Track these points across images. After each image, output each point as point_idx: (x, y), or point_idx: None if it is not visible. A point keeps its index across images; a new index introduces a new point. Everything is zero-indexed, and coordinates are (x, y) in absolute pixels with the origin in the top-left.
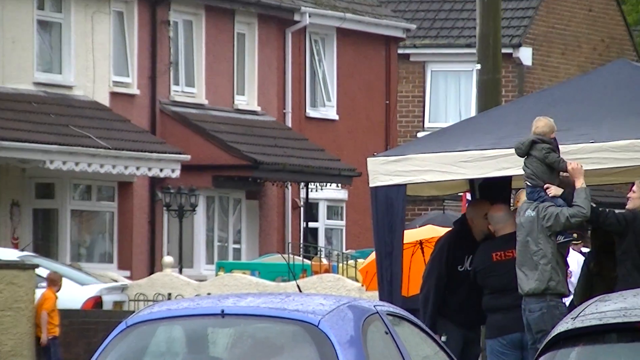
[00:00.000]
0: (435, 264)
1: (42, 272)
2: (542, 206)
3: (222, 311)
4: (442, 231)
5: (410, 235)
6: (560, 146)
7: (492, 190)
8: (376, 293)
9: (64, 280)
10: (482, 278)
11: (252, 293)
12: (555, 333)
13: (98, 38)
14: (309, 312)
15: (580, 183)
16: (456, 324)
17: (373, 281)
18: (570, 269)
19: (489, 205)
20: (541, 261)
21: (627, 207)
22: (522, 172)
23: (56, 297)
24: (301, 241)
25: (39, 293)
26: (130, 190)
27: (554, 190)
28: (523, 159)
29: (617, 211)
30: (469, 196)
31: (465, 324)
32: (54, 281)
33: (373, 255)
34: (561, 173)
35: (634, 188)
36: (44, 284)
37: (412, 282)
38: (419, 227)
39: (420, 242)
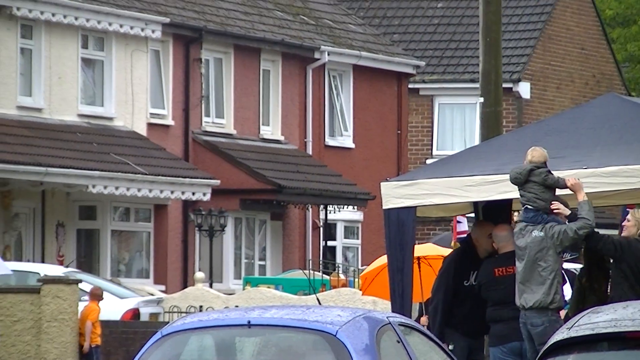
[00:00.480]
0: (443, 279)
1: (85, 286)
2: (549, 226)
3: (249, 322)
4: (440, 249)
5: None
6: (555, 172)
7: (494, 212)
8: (371, 298)
9: (104, 294)
10: (486, 291)
11: (276, 305)
12: (552, 342)
13: (136, 74)
14: (327, 322)
15: (581, 196)
16: (462, 334)
17: (370, 287)
18: None
19: (493, 226)
20: (550, 276)
21: (622, 234)
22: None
23: (99, 309)
24: (321, 258)
25: (82, 305)
26: (165, 212)
27: (563, 210)
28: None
29: (614, 237)
30: (459, 218)
31: (470, 334)
32: (97, 295)
33: (374, 264)
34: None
35: (629, 217)
36: (87, 297)
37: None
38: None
39: (418, 259)
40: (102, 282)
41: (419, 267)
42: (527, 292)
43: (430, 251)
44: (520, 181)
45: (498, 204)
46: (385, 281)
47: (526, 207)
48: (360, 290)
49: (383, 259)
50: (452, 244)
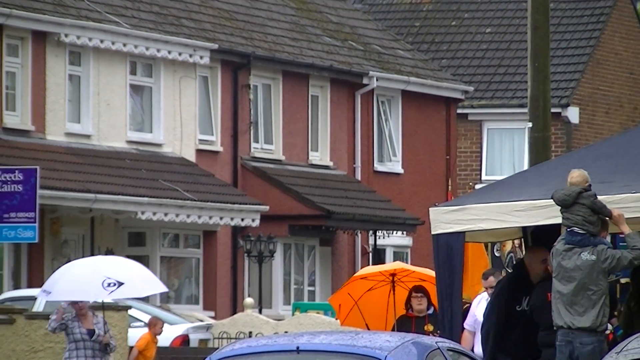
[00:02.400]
0: (496, 304)
1: (134, 312)
2: (601, 249)
3: (297, 348)
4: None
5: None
6: (603, 197)
7: (543, 237)
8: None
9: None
10: (538, 315)
11: (325, 331)
12: None
13: (185, 100)
14: (376, 347)
15: (626, 228)
16: (514, 359)
17: (349, 317)
18: None
19: (546, 251)
20: (600, 300)
21: None
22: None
23: (151, 339)
24: None
25: (132, 332)
26: (214, 238)
27: (627, 228)
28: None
29: None
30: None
31: (522, 359)
32: (153, 324)
33: (345, 290)
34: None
35: None
36: (136, 323)
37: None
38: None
39: (393, 276)
40: (151, 309)
41: (393, 286)
42: (575, 314)
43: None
44: (568, 203)
45: (547, 229)
46: (361, 313)
47: (572, 230)
48: (337, 319)
49: (352, 288)
50: None
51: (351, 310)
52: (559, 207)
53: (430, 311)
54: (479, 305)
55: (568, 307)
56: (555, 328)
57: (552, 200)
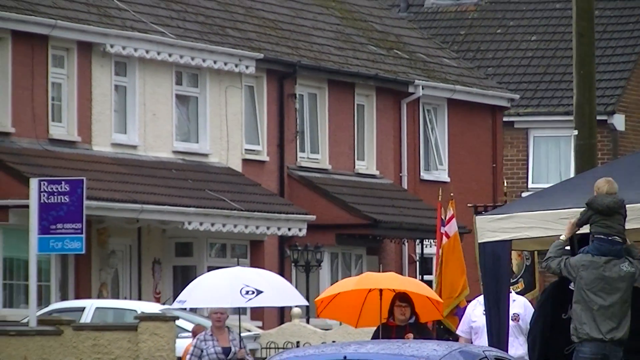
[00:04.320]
0: (542, 312)
1: (182, 323)
2: (638, 262)
3: (345, 357)
4: (401, 279)
5: (370, 282)
6: None
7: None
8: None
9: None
10: None
11: (372, 340)
12: None
13: (231, 110)
14: (423, 357)
15: None
16: None
17: (326, 309)
18: (517, 311)
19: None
20: (628, 311)
21: None
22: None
23: None
24: None
25: (179, 342)
26: (261, 248)
27: None
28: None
29: None
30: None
31: None
32: (197, 333)
33: (330, 290)
34: None
35: None
36: (184, 334)
37: (365, 314)
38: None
39: (381, 291)
40: (199, 319)
41: (380, 295)
42: (615, 327)
43: (392, 283)
44: (614, 211)
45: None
46: (342, 304)
47: (614, 239)
48: (317, 314)
49: (339, 287)
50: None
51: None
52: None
53: (412, 320)
54: (474, 311)
55: (608, 319)
56: (578, 340)
57: None
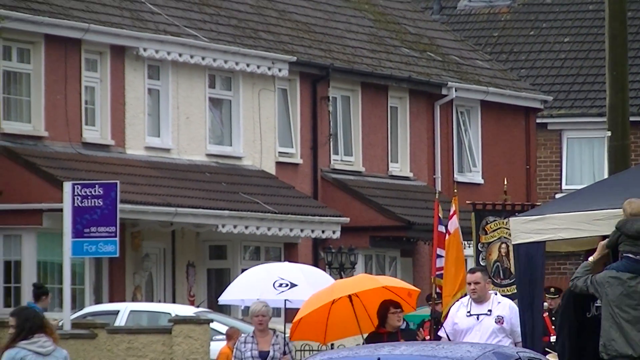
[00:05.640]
0: (565, 316)
1: (216, 326)
2: None
3: (379, 359)
4: (373, 281)
5: (343, 290)
6: None
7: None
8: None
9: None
10: None
11: (405, 342)
12: None
13: (264, 113)
14: (457, 358)
15: None
16: None
17: (297, 329)
18: (501, 313)
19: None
20: None
21: None
22: None
23: (230, 351)
24: None
25: (214, 345)
26: (295, 251)
27: None
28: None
29: None
30: (439, 251)
31: None
32: (231, 336)
33: (304, 308)
34: None
35: None
36: (218, 336)
37: (331, 328)
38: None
39: (350, 297)
40: (233, 322)
41: (351, 300)
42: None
43: (363, 284)
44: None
45: None
46: (311, 319)
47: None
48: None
49: (312, 303)
50: (432, 279)
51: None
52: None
53: (403, 326)
54: (457, 312)
55: (638, 334)
56: (608, 357)
57: None
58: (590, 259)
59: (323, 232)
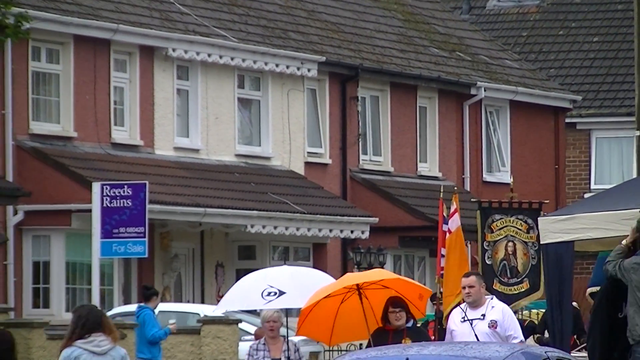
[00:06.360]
0: (597, 316)
1: (245, 327)
2: None
3: (407, 359)
4: (385, 274)
5: (353, 279)
6: None
7: None
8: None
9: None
10: None
11: (434, 342)
12: None
13: (293, 113)
14: (485, 358)
15: None
16: None
17: (304, 324)
18: (494, 318)
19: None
20: None
21: None
22: None
23: None
24: None
25: (242, 345)
26: (324, 251)
27: None
28: None
29: None
30: (443, 251)
31: None
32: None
33: (314, 298)
34: None
35: None
36: (247, 337)
37: (337, 329)
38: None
39: (358, 286)
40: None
41: (360, 296)
42: None
43: (376, 276)
44: None
45: None
46: (319, 318)
47: None
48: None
49: (321, 291)
50: (436, 280)
51: (333, 330)
52: None
53: (410, 324)
54: (455, 318)
55: None
56: (633, 341)
57: None
58: (623, 242)
59: (352, 232)
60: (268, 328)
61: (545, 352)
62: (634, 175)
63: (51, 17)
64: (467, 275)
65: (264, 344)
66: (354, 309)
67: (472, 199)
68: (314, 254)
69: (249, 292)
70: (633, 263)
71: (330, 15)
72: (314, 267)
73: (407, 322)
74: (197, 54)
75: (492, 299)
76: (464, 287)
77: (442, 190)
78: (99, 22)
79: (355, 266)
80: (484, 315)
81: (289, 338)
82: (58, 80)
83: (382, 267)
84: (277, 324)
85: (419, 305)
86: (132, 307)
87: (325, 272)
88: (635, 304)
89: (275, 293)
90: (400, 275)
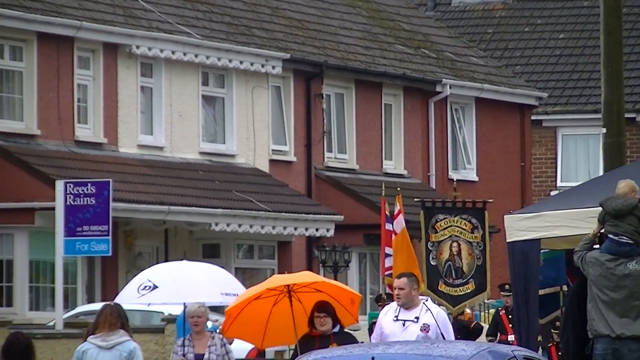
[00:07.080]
0: (569, 315)
1: (211, 324)
2: None
3: (373, 358)
4: (314, 276)
5: (280, 280)
6: None
7: None
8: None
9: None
10: None
11: (399, 341)
12: None
13: (258, 110)
14: (451, 357)
15: None
16: None
17: (232, 326)
18: (427, 321)
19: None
20: None
21: None
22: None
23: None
24: None
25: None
26: (289, 249)
27: None
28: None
29: None
30: (387, 250)
31: None
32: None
33: (240, 298)
34: None
35: None
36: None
37: (270, 332)
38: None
39: (289, 288)
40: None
41: (290, 298)
42: (626, 323)
43: (305, 278)
44: (623, 213)
45: None
46: (250, 320)
47: (620, 240)
48: (220, 329)
49: (248, 292)
50: (382, 280)
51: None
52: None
53: (336, 329)
54: (385, 316)
55: (616, 315)
56: (592, 336)
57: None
58: (591, 232)
59: (317, 230)
60: (192, 323)
61: (512, 351)
62: (601, 173)
63: (14, 14)
64: (398, 276)
65: (189, 339)
66: (286, 312)
67: (415, 199)
68: (279, 252)
69: (129, 285)
70: (591, 257)
71: (294, 12)
72: (279, 265)
73: (333, 327)
74: (161, 51)
75: (426, 300)
76: (394, 289)
77: (383, 188)
78: (63, 19)
79: (321, 264)
80: (417, 317)
81: (216, 334)
82: (21, 78)
83: (348, 266)
84: (201, 319)
85: (351, 309)
86: (96, 306)
87: (291, 270)
88: (592, 298)
89: (150, 287)
90: (329, 279)
